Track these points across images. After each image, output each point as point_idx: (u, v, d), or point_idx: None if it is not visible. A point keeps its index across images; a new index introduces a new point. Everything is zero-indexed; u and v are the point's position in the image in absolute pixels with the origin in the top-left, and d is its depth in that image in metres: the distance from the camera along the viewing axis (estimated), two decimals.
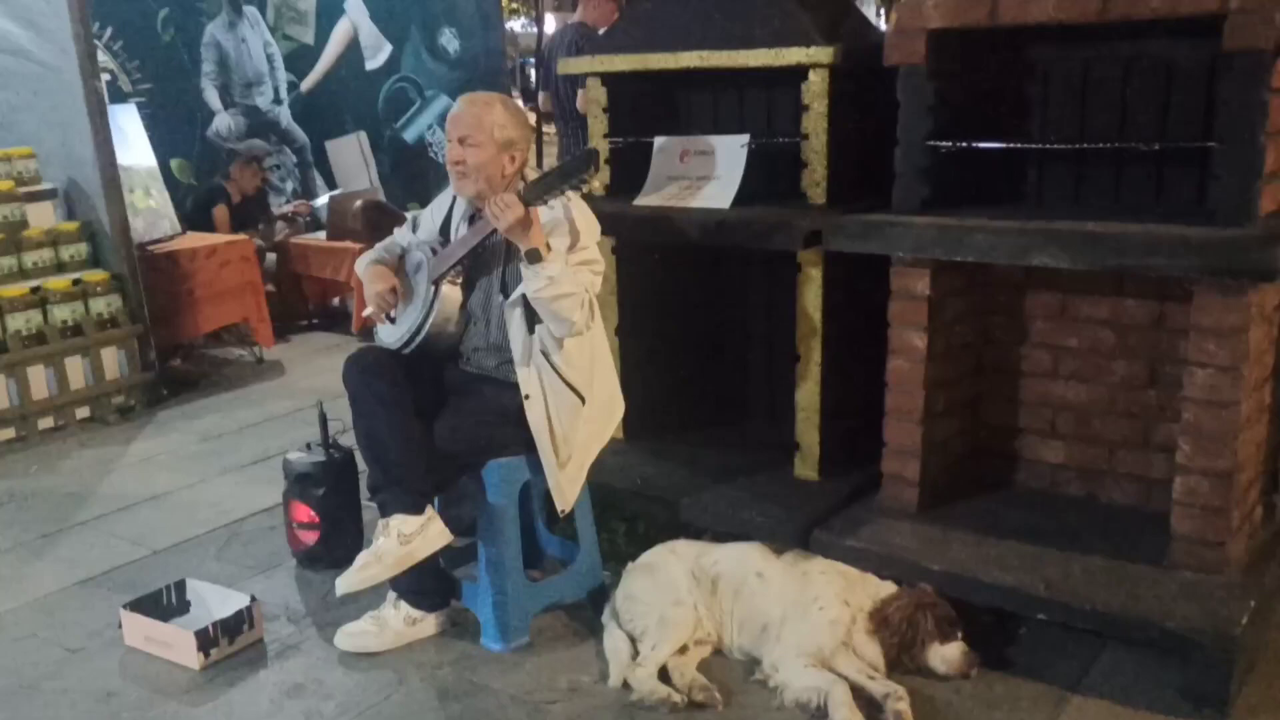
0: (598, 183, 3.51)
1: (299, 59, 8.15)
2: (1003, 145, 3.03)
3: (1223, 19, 2.46)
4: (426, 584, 2.92)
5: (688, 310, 3.76)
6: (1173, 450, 2.72)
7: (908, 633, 2.63)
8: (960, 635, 2.66)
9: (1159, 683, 2.59)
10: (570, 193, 2.64)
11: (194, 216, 6.42)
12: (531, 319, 2.74)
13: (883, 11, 15.70)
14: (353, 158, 8.38)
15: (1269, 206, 2.61)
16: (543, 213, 2.66)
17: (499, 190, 2.80)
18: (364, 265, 3.01)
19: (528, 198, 2.61)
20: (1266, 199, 2.57)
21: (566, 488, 2.85)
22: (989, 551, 2.83)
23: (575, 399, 2.81)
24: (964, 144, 2.97)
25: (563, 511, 2.89)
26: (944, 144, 2.95)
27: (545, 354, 2.75)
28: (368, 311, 2.96)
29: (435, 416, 2.80)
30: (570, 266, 2.65)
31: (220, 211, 6.52)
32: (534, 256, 2.60)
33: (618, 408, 3.01)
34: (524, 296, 2.70)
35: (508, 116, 2.81)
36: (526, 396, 2.76)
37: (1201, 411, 2.60)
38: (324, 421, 3.39)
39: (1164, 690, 2.56)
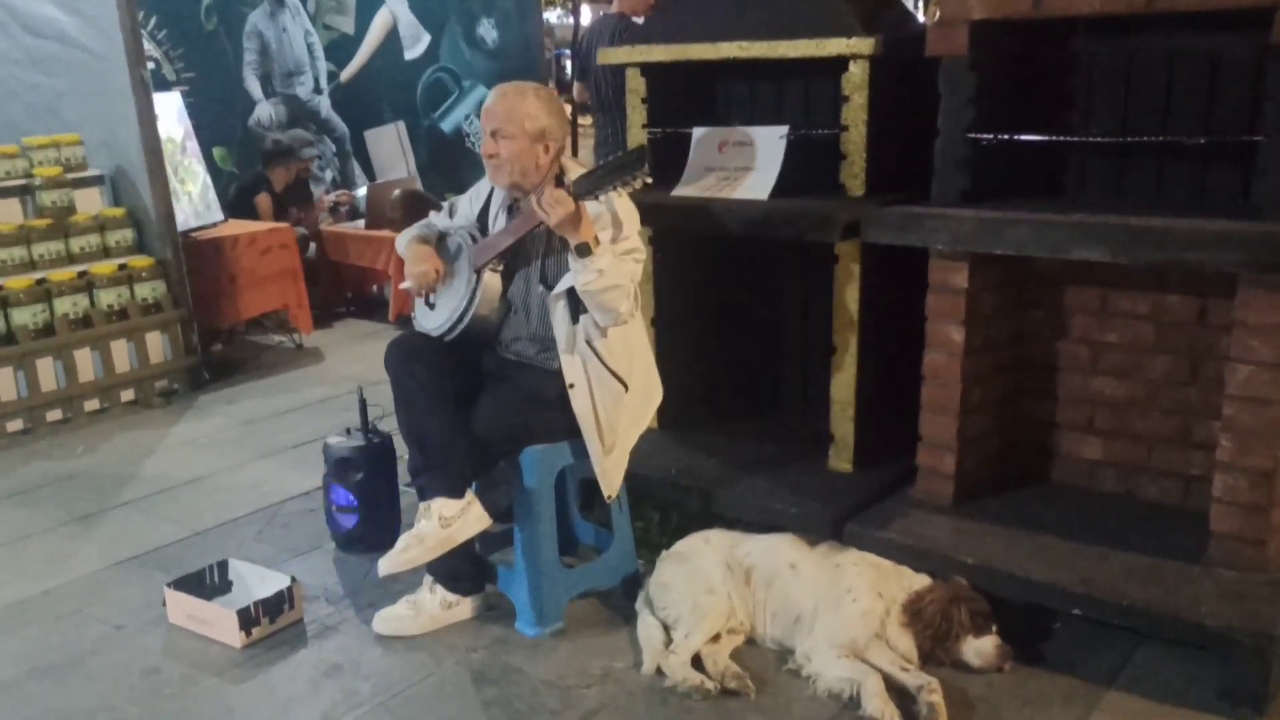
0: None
1: (339, 48, 8.21)
2: (1044, 138, 3.01)
3: (1272, 11, 2.43)
4: (462, 569, 2.95)
5: (724, 301, 3.77)
6: (1212, 447, 2.69)
7: (941, 625, 2.63)
8: (994, 629, 2.65)
9: (1195, 681, 2.57)
10: (620, 189, 2.64)
11: (236, 204, 6.50)
12: (575, 309, 2.76)
13: (920, 2, 15.55)
14: (391, 147, 8.43)
15: None
16: (588, 206, 2.68)
17: (534, 181, 2.81)
18: (405, 242, 3.02)
19: (577, 192, 2.61)
20: None
21: (612, 474, 2.88)
22: (1024, 546, 2.82)
23: (619, 386, 2.83)
24: (1005, 136, 2.95)
25: (609, 497, 2.91)
26: (984, 136, 2.94)
27: (589, 343, 2.77)
28: (405, 285, 2.96)
29: (474, 402, 2.83)
30: (616, 257, 2.67)
31: (264, 200, 6.59)
32: (584, 250, 2.61)
33: (656, 393, 3.03)
34: (568, 288, 2.71)
35: (540, 106, 2.80)
36: (571, 385, 2.78)
37: (1243, 408, 2.58)
38: (363, 407, 3.43)
39: (1200, 689, 2.54)
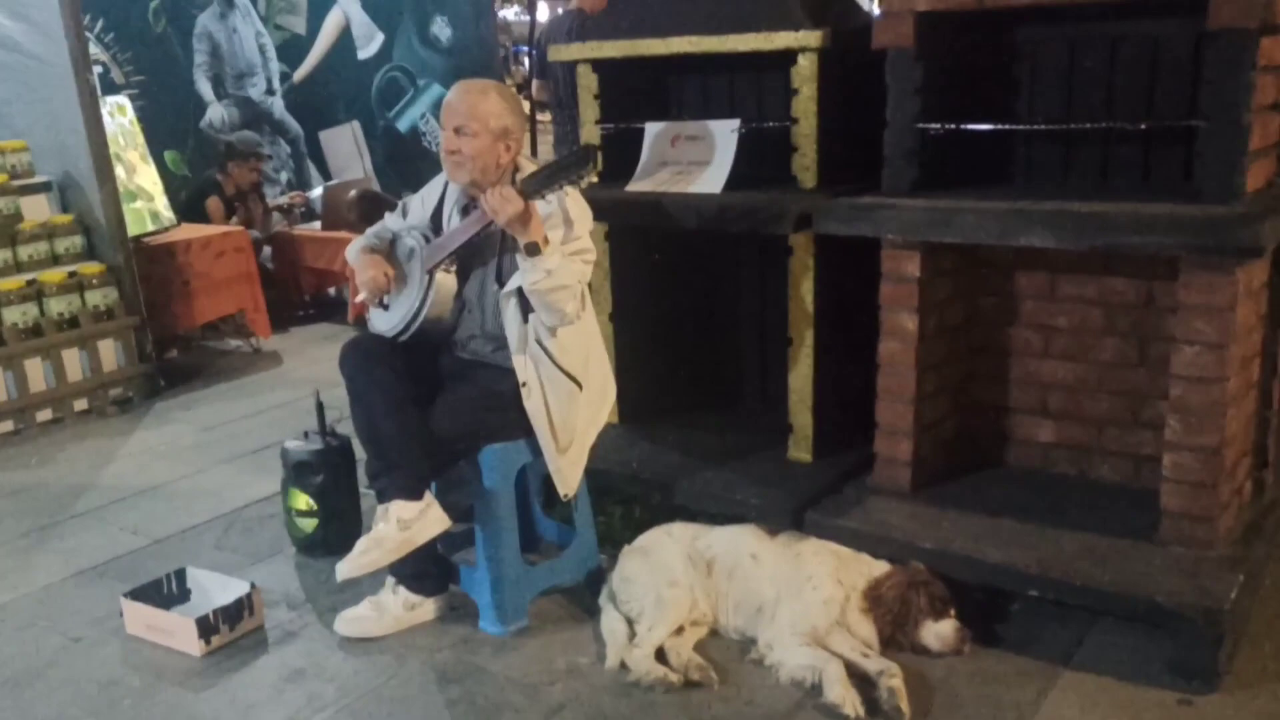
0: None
1: (291, 49, 8.14)
2: (991, 127, 3.04)
3: None
4: (425, 569, 2.95)
5: (681, 295, 3.78)
6: (1161, 427, 2.74)
7: (901, 610, 2.66)
8: (952, 612, 2.69)
9: (1149, 657, 2.62)
10: (567, 187, 2.65)
11: (188, 209, 6.41)
12: (527, 308, 2.76)
13: None
14: (347, 148, 8.38)
15: (1255, 184, 2.63)
16: (538, 205, 2.67)
17: (493, 179, 2.80)
18: (355, 252, 3.01)
19: (525, 191, 2.61)
20: (1252, 176, 2.59)
21: (568, 473, 2.88)
22: (981, 529, 2.86)
23: (572, 385, 2.83)
24: (952, 126, 2.99)
25: (566, 496, 2.91)
26: (932, 126, 2.97)
27: (540, 342, 2.77)
28: (360, 297, 2.96)
29: (431, 402, 2.82)
30: (565, 258, 2.67)
31: (213, 203, 6.51)
32: (533, 250, 2.61)
33: (611, 391, 3.04)
34: (517, 285, 2.71)
35: (503, 105, 2.80)
36: (523, 385, 2.77)
37: (1189, 388, 2.63)
38: (321, 410, 3.41)
39: (1154, 664, 2.59)
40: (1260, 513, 2.94)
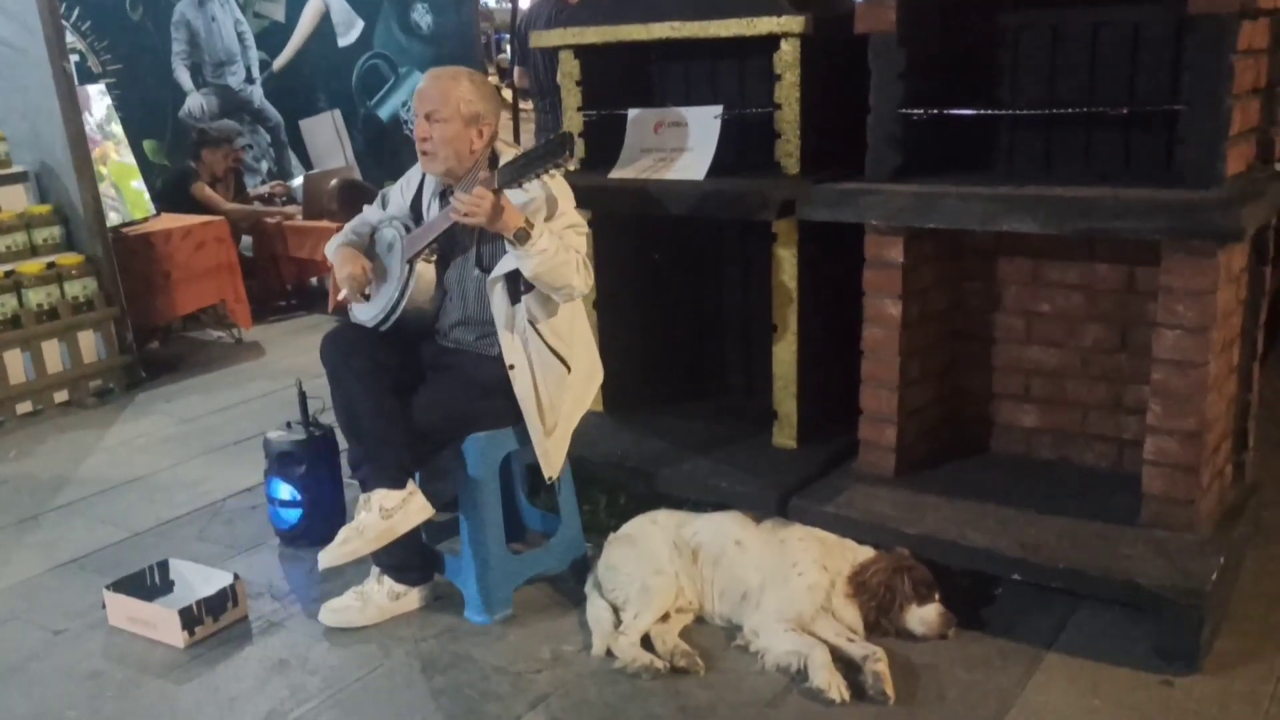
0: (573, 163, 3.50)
1: (270, 37, 8.07)
2: (973, 112, 3.04)
3: None
4: (409, 559, 2.94)
5: (665, 282, 3.77)
6: (1144, 412, 2.75)
7: (885, 596, 2.67)
8: (937, 597, 2.70)
9: (1131, 639, 2.63)
10: (544, 176, 2.64)
11: (165, 198, 6.35)
12: (515, 291, 2.75)
13: None
14: (327, 136, 8.31)
15: (1236, 168, 2.64)
16: (515, 194, 2.66)
17: (467, 165, 2.81)
18: (333, 248, 3.00)
19: (501, 181, 2.61)
20: (1233, 160, 2.61)
21: (553, 454, 2.88)
22: (965, 514, 2.87)
23: (561, 367, 2.83)
24: (935, 111, 2.99)
25: (550, 479, 2.91)
26: (915, 111, 2.97)
27: (532, 323, 2.77)
28: (342, 295, 2.95)
29: (414, 391, 2.81)
30: (555, 235, 2.66)
31: (200, 188, 6.43)
32: (522, 237, 2.61)
33: (597, 374, 3.04)
34: (504, 271, 2.70)
35: (474, 90, 2.80)
36: (511, 367, 2.77)
37: (1171, 372, 2.64)
38: (304, 400, 3.39)
39: (1136, 647, 2.61)
40: (1241, 496, 2.97)
